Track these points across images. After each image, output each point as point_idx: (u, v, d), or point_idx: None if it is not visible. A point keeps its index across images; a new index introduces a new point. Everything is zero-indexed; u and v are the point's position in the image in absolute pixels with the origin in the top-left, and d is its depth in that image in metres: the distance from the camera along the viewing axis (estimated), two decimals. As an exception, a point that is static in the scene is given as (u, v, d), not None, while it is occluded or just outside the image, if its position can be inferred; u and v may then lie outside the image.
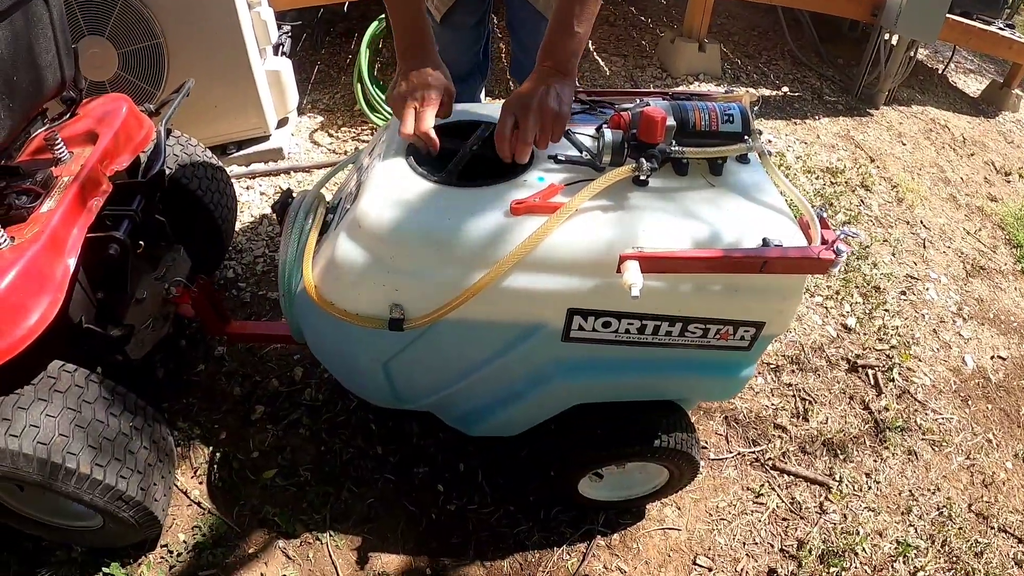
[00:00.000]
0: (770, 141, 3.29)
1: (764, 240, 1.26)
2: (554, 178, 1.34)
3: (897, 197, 3.14)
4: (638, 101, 1.45)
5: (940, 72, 4.62)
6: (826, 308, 2.53)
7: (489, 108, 1.57)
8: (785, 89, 3.81)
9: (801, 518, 1.94)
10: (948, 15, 3.53)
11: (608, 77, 3.71)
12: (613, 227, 1.26)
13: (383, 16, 2.90)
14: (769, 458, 2.04)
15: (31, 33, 1.50)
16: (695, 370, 1.46)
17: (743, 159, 1.44)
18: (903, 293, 2.65)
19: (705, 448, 2.04)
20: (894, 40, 3.53)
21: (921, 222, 3.03)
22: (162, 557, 1.74)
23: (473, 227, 1.25)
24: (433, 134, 1.33)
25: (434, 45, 1.46)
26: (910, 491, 2.06)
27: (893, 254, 2.81)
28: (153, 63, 2.30)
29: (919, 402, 2.30)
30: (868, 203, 3.05)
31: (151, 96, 2.31)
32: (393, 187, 1.33)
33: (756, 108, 1.53)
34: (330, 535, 1.77)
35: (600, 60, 3.90)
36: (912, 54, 3.64)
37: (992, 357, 2.55)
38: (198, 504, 1.83)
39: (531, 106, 1.31)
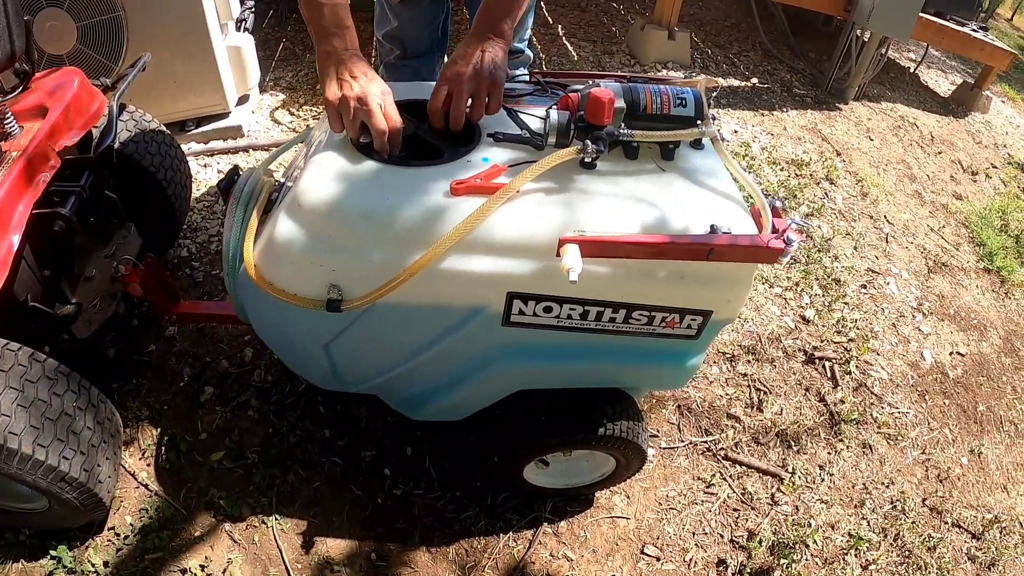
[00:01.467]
0: (736, 132, 3.30)
1: (712, 227, 1.24)
2: (499, 159, 1.33)
3: (862, 191, 3.16)
4: (590, 83, 1.44)
5: (911, 70, 4.65)
6: (785, 299, 2.54)
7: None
8: (754, 80, 3.81)
9: (752, 509, 1.95)
10: (922, 14, 3.55)
11: (575, 62, 3.69)
12: (555, 210, 1.24)
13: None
14: (721, 448, 2.05)
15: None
16: (641, 358, 1.45)
17: (697, 145, 1.43)
18: (863, 287, 2.67)
19: (656, 437, 2.04)
20: (866, 36, 3.54)
21: (885, 217, 3.05)
22: (109, 540, 1.72)
23: (412, 207, 1.23)
24: (398, 138, 1.32)
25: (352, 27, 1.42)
26: (864, 484, 2.08)
27: (855, 248, 2.83)
28: (112, 37, 2.24)
29: (875, 395, 2.32)
30: (832, 196, 3.07)
31: (109, 70, 2.26)
32: (335, 166, 1.30)
33: (714, 93, 1.53)
34: (276, 518, 1.75)
35: (568, 45, 3.88)
36: (884, 51, 3.66)
37: (951, 353, 2.57)
38: (145, 486, 1.80)
39: (465, 74, 1.30)
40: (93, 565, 1.66)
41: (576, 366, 1.45)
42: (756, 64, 3.99)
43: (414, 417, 1.63)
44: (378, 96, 1.30)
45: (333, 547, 1.72)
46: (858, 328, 2.50)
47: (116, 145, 1.88)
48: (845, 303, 2.57)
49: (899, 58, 4.77)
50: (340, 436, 1.91)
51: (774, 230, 1.28)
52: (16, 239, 1.43)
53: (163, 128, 2.06)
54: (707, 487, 1.96)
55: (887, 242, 2.92)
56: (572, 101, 1.35)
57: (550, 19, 4.19)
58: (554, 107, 1.39)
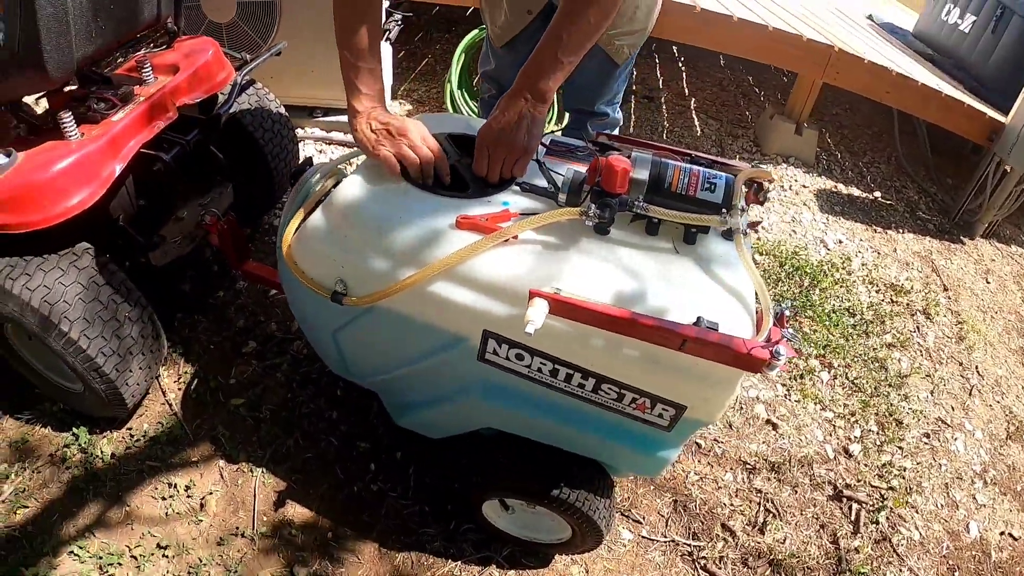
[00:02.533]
0: (840, 242, 3.13)
1: (698, 319, 1.22)
2: (517, 205, 1.40)
3: (959, 335, 2.90)
4: (630, 151, 1.47)
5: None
6: (834, 426, 2.39)
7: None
8: (878, 194, 3.60)
9: (712, 629, 1.85)
10: None
11: (696, 138, 3.66)
12: (544, 262, 1.29)
13: (483, 26, 3.04)
14: (703, 557, 1.96)
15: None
16: (609, 434, 1.45)
17: (728, 236, 1.40)
18: (927, 435, 2.45)
19: (639, 523, 1.99)
20: (1006, 169, 3.25)
21: (976, 368, 2.78)
22: (123, 437, 1.95)
23: (419, 230, 1.33)
24: (439, 167, 1.45)
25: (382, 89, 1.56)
26: (848, 645, 1.92)
27: (932, 392, 2.60)
28: (266, 18, 2.55)
29: (898, 555, 2.13)
30: (924, 331, 2.84)
31: (257, 46, 2.56)
32: (375, 178, 1.44)
33: (770, 188, 1.50)
34: (263, 471, 1.91)
35: (696, 119, 3.87)
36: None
37: (1002, 533, 2.30)
38: (169, 405, 2.03)
39: (501, 141, 1.41)
40: (101, 452, 1.90)
41: (543, 422, 1.47)
42: (885, 178, 3.77)
43: (397, 422, 1.72)
44: (417, 132, 1.43)
45: (299, 514, 1.84)
46: (904, 478, 2.30)
47: (233, 113, 2.14)
48: (899, 447, 2.38)
49: None
50: (345, 422, 2.05)
51: (768, 339, 1.24)
52: (119, 167, 1.69)
53: (281, 109, 2.31)
54: (673, 589, 1.89)
55: (970, 395, 2.66)
56: (599, 165, 1.37)
57: (687, 91, 4.20)
58: (579, 166, 1.44)
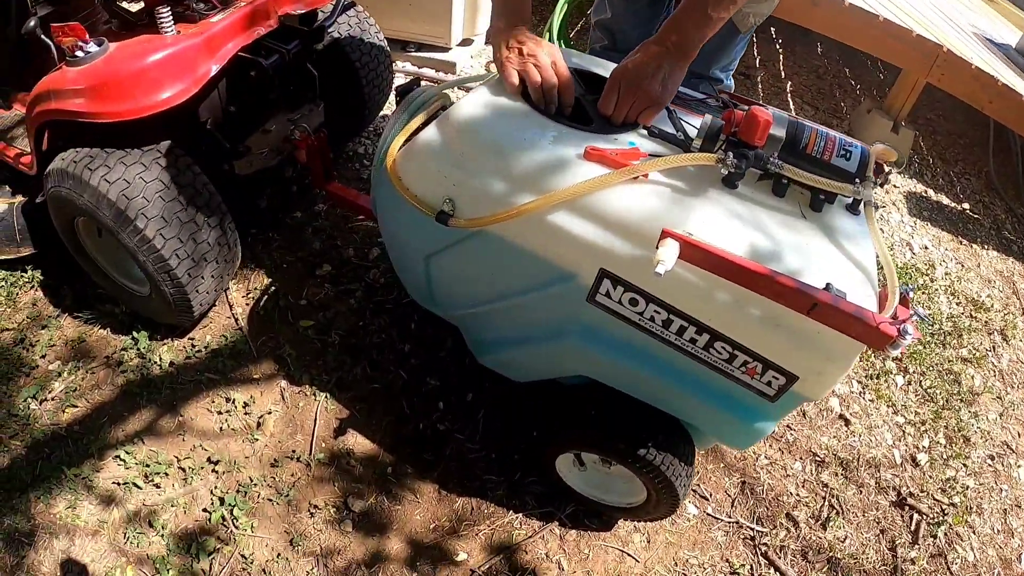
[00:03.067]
0: (926, 247, 3.01)
1: (828, 285, 1.16)
2: (645, 147, 1.32)
3: (1035, 362, 2.78)
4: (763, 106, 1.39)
5: None
6: (903, 431, 2.30)
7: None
8: (966, 206, 3.45)
9: (765, 614, 1.79)
10: None
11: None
12: (676, 208, 1.22)
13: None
14: (765, 543, 1.90)
15: None
16: (710, 397, 1.38)
17: (853, 210, 1.33)
18: (991, 458, 2.35)
19: (706, 500, 1.93)
20: None
21: (1046, 398, 2.67)
22: (183, 346, 1.92)
23: (542, 155, 1.27)
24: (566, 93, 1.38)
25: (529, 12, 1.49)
26: (896, 653, 1.85)
27: (1001, 415, 2.49)
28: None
29: (951, 573, 2.05)
30: (999, 352, 2.72)
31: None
32: (495, 99, 1.38)
33: (891, 170, 1.41)
34: (326, 397, 1.87)
35: (791, 103, 3.73)
36: None
37: (1057, 571, 2.21)
38: (236, 319, 2.00)
39: (636, 85, 1.34)
40: (160, 359, 1.88)
41: (643, 375, 1.40)
42: (974, 191, 3.61)
43: (480, 360, 1.67)
44: (547, 54, 1.36)
45: (359, 444, 1.80)
46: (966, 496, 2.21)
47: (333, 33, 2.08)
48: (964, 465, 2.28)
49: None
50: (417, 355, 2.00)
51: (894, 316, 1.17)
52: (215, 67, 1.64)
53: (380, 36, 2.25)
54: (731, 572, 1.83)
55: (1040, 425, 2.55)
56: (736, 117, 1.30)
57: (783, 73, 4.05)
58: (715, 116, 1.36)
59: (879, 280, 1.26)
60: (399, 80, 2.84)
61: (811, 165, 1.26)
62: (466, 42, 2.99)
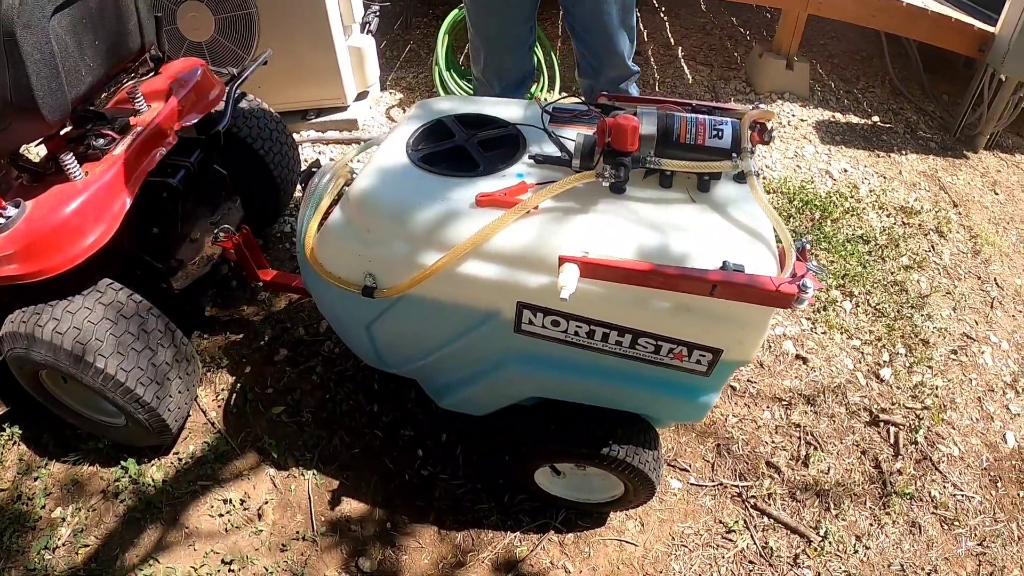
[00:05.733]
0: (845, 171, 3.13)
1: (724, 263, 1.25)
2: (532, 177, 1.41)
3: (974, 249, 2.91)
4: (638, 109, 1.48)
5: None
6: (862, 353, 2.41)
7: (508, 109, 1.65)
8: (876, 119, 3.58)
9: (770, 565, 1.88)
10: None
11: (689, 86, 3.65)
12: (567, 228, 1.32)
13: (463, 5, 3.03)
14: (752, 496, 2.00)
15: (116, 3, 1.73)
16: (650, 385, 1.49)
17: (740, 179, 1.43)
18: (954, 352, 2.47)
19: (687, 471, 2.03)
20: (1001, 79, 3.23)
21: (995, 280, 2.79)
22: (171, 462, 1.99)
23: (439, 212, 1.35)
24: None
25: None
26: (902, 565, 1.95)
27: (954, 309, 2.62)
28: (245, 30, 2.55)
29: (940, 472, 2.16)
30: (939, 250, 2.84)
31: (241, 60, 2.57)
32: (386, 169, 1.46)
33: (772, 131, 1.51)
34: (313, 474, 1.95)
35: (686, 68, 3.84)
36: (1022, 96, 3.31)
37: (1040, 440, 2.33)
38: (212, 424, 2.06)
39: None
40: (153, 480, 1.94)
41: (585, 383, 1.51)
42: (881, 102, 3.74)
43: (441, 404, 1.75)
44: None
45: (355, 509, 1.88)
46: (937, 396, 2.32)
47: (230, 129, 2.15)
48: (929, 367, 2.40)
49: None
50: (386, 413, 2.08)
51: (793, 274, 1.27)
52: (128, 200, 1.70)
53: (277, 116, 2.33)
54: (727, 532, 1.93)
55: (991, 307, 2.67)
56: (607, 126, 1.39)
57: (672, 40, 4.17)
58: (586, 130, 1.46)
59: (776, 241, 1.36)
60: (307, 150, 2.91)
61: (688, 152, 1.35)
62: (361, 96, 3.06)
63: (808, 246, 1.33)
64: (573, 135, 1.53)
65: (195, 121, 1.94)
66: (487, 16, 2.29)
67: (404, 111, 3.21)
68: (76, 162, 1.64)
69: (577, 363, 1.47)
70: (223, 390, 2.14)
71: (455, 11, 3.04)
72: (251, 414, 2.08)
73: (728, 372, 1.45)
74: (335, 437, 2.03)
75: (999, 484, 2.18)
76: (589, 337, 1.40)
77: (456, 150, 1.51)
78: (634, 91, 2.51)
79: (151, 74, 2.00)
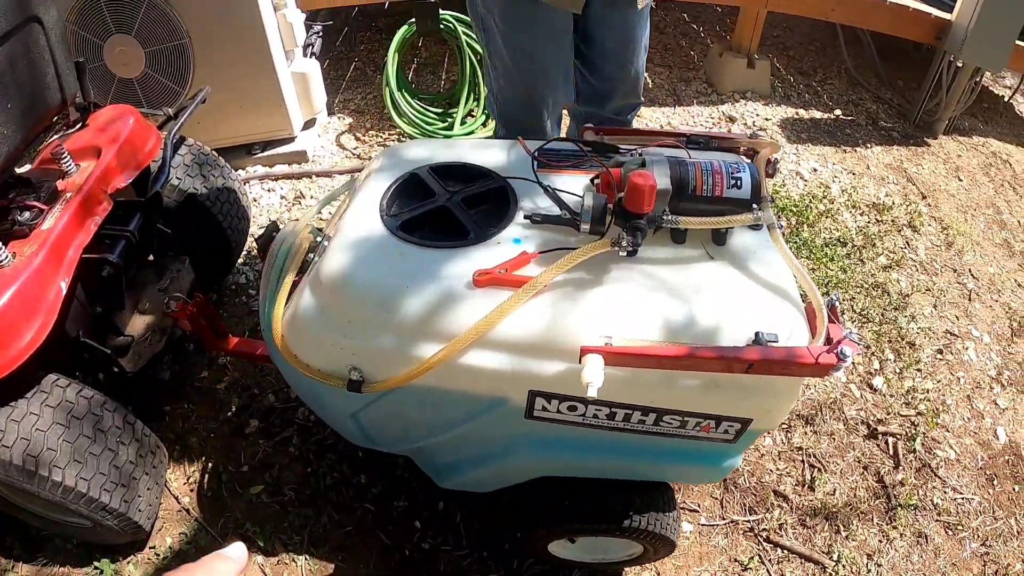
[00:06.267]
0: (815, 170, 3.09)
1: (756, 335, 1.15)
2: (531, 242, 1.27)
3: (946, 240, 2.91)
4: (638, 153, 1.36)
5: (1006, 99, 4.25)
6: (853, 363, 2.38)
7: (488, 154, 1.50)
8: (838, 112, 3.57)
9: (789, 597, 1.84)
10: (1019, 42, 3.22)
11: (650, 90, 3.54)
12: (583, 307, 1.19)
13: (412, 20, 2.84)
14: (764, 529, 1.94)
15: (28, 57, 1.51)
16: (672, 457, 1.38)
17: (754, 226, 1.32)
18: (939, 352, 2.47)
19: (696, 512, 1.95)
20: (958, 64, 3.25)
21: (969, 270, 2.81)
22: (148, 558, 1.79)
23: (432, 297, 1.20)
24: None
25: None
26: (913, 578, 1.93)
27: (935, 306, 2.61)
28: (178, 63, 2.31)
29: (939, 478, 2.15)
30: (914, 245, 2.84)
31: (176, 95, 2.33)
32: (359, 242, 1.29)
33: (777, 162, 1.42)
34: (305, 559, 1.78)
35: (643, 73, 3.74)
36: (977, 80, 3.34)
37: (1028, 431, 2.35)
38: (187, 511, 1.87)
39: None
40: (131, 578, 1.74)
41: (604, 461, 1.39)
42: (841, 93, 3.73)
43: (441, 485, 1.61)
44: None
45: (355, 595, 1.73)
46: (929, 400, 2.31)
47: (172, 181, 1.94)
48: (918, 370, 2.39)
49: (993, 86, 4.36)
50: (375, 483, 1.92)
51: (827, 340, 1.18)
52: (65, 284, 1.49)
53: (220, 161, 2.11)
54: (743, 570, 1.86)
55: (970, 299, 2.68)
56: (613, 179, 1.26)
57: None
58: (592, 186, 1.32)
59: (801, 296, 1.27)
60: (255, 188, 2.69)
61: (706, 204, 1.23)
62: (309, 124, 2.84)
63: (837, 303, 1.24)
64: (565, 182, 1.40)
65: (131, 180, 1.72)
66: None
67: (355, 138, 2.99)
68: (0, 243, 1.42)
69: (594, 443, 1.35)
70: (194, 472, 1.94)
71: (404, 27, 2.84)
72: (228, 496, 1.89)
73: (753, 438, 1.36)
74: (323, 515, 1.86)
75: (995, 482, 2.19)
76: (610, 419, 1.28)
77: (438, 212, 1.36)
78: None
79: (77, 127, 1.77)
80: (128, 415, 1.63)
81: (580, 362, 1.12)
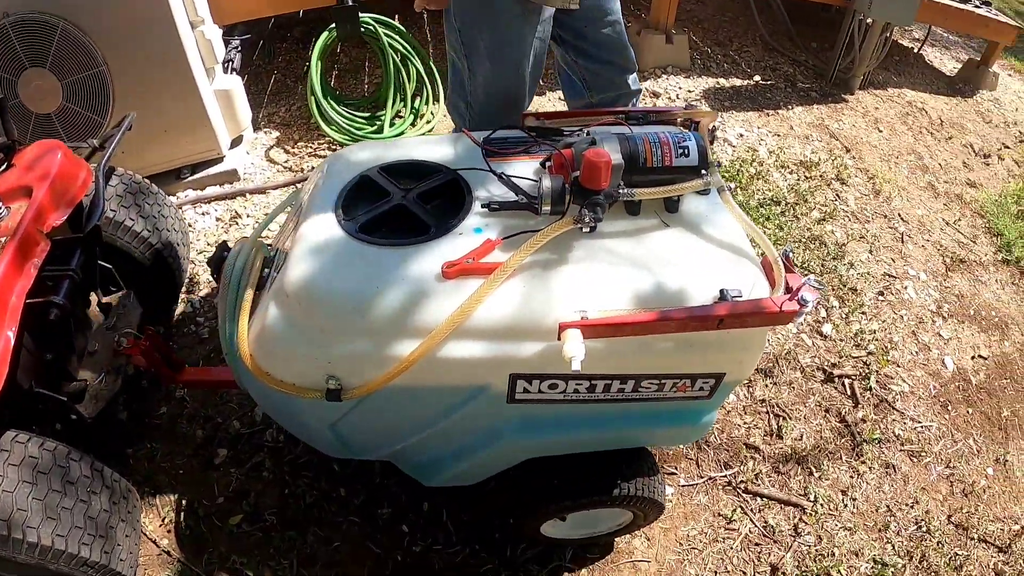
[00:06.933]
0: (741, 135, 3.21)
1: (721, 292, 1.20)
2: (492, 229, 1.28)
3: (874, 189, 3.07)
4: (585, 133, 1.38)
5: (916, 51, 4.50)
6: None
7: (436, 149, 1.50)
8: (757, 78, 3.70)
9: (775, 542, 1.91)
10: None
11: (575, 74, 3.59)
12: (554, 286, 1.20)
13: (333, 26, 2.80)
14: (741, 481, 2.01)
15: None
16: (652, 421, 1.42)
17: (703, 192, 1.37)
18: (880, 294, 2.60)
19: (675, 474, 2.01)
20: (869, 22, 3.42)
21: (899, 215, 2.97)
22: (133, 608, 1.72)
23: (403, 294, 1.20)
24: None
25: None
26: (887, 506, 2.04)
27: (871, 251, 2.75)
28: (98, 92, 2.21)
29: (897, 411, 2.27)
30: (844, 197, 2.98)
31: (98, 126, 2.23)
32: (320, 249, 1.27)
33: (716, 130, 1.47)
34: (296, 582, 1.75)
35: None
36: (888, 35, 3.53)
37: (973, 357, 2.51)
38: (168, 553, 1.80)
39: None
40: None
41: (587, 433, 1.42)
42: (758, 60, 3.87)
43: (427, 484, 1.61)
44: None
45: (354, 610, 1.71)
46: (877, 340, 2.43)
47: (107, 214, 1.86)
48: (863, 313, 2.51)
49: (902, 39, 4.62)
50: (355, 494, 1.90)
51: (787, 289, 1.23)
52: (12, 333, 1.41)
53: (153, 188, 2.03)
54: (728, 523, 1.93)
55: (903, 242, 2.84)
56: (566, 160, 1.29)
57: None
58: (546, 169, 1.34)
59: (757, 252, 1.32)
60: (188, 213, 2.60)
61: (657, 175, 1.27)
62: (236, 142, 2.76)
63: (791, 253, 1.30)
64: (516, 168, 1.41)
65: (66, 217, 1.65)
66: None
67: (285, 151, 2.93)
68: (-60, 298, 1.34)
69: (576, 418, 1.38)
70: (168, 511, 1.87)
71: (325, 34, 2.79)
72: (208, 531, 1.83)
73: (728, 391, 1.41)
74: (308, 535, 1.82)
75: (949, 407, 2.32)
76: (590, 392, 1.30)
77: (396, 211, 1.35)
78: None
79: (3, 168, 1.68)
80: (95, 462, 1.55)
81: (559, 339, 1.14)
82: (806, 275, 1.24)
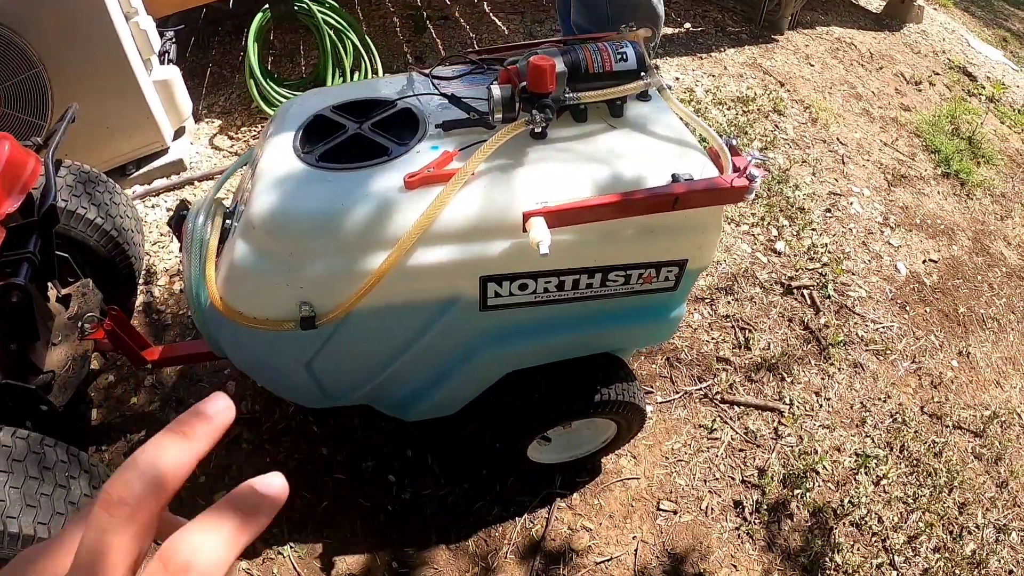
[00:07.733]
0: (677, 79, 3.29)
1: (673, 176, 1.24)
2: (449, 144, 1.30)
3: (811, 118, 3.18)
4: (528, 53, 1.42)
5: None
6: (753, 235, 2.55)
7: (385, 88, 1.51)
8: (687, 25, 3.80)
9: (758, 446, 1.96)
10: None
11: (507, 36, 3.64)
12: (514, 186, 1.23)
13: (266, 7, 2.78)
14: (717, 392, 2.06)
15: None
16: (624, 319, 1.45)
17: (644, 96, 1.42)
18: (828, 211, 2.69)
19: (652, 392, 2.05)
20: None
21: (838, 139, 3.07)
22: (122, 598, 1.68)
23: (369, 209, 1.21)
24: None
25: None
26: (861, 403, 2.11)
27: (814, 174, 2.84)
28: (36, 94, 2.16)
29: (858, 315, 2.35)
30: (783, 127, 3.08)
31: (39, 128, 2.18)
32: (282, 180, 1.27)
33: (654, 44, 1.51)
34: (291, 547, 1.73)
35: (497, 20, 3.82)
36: None
37: (924, 261, 2.61)
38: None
39: None
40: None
41: (561, 338, 1.44)
42: (687, 9, 3.97)
43: (408, 419, 1.62)
44: None
45: (353, 563, 1.70)
46: (829, 252, 2.52)
47: (59, 204, 1.82)
48: (813, 230, 2.59)
49: None
50: (338, 452, 1.89)
51: (735, 169, 1.28)
52: (-24, 321, 1.38)
53: (103, 176, 2.00)
54: (709, 433, 1.97)
55: (844, 163, 2.94)
56: (513, 73, 1.32)
57: (475, -6, 4.14)
58: (494, 83, 1.37)
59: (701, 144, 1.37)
60: (139, 208, 2.56)
61: (599, 81, 1.31)
62: (179, 133, 2.72)
63: (735, 141, 1.35)
64: (464, 93, 1.44)
65: (18, 206, 1.61)
66: None
67: (229, 137, 2.90)
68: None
69: (549, 322, 1.40)
70: (148, 495, 1.84)
71: (259, 15, 2.77)
72: (193, 511, 1.79)
73: (692, 281, 1.45)
74: (295, 499, 1.81)
75: (907, 308, 2.41)
76: (559, 289, 1.33)
77: (354, 140, 1.36)
78: None
79: None
80: (70, 448, 1.52)
81: (524, 230, 1.16)
82: (750, 154, 1.29)
